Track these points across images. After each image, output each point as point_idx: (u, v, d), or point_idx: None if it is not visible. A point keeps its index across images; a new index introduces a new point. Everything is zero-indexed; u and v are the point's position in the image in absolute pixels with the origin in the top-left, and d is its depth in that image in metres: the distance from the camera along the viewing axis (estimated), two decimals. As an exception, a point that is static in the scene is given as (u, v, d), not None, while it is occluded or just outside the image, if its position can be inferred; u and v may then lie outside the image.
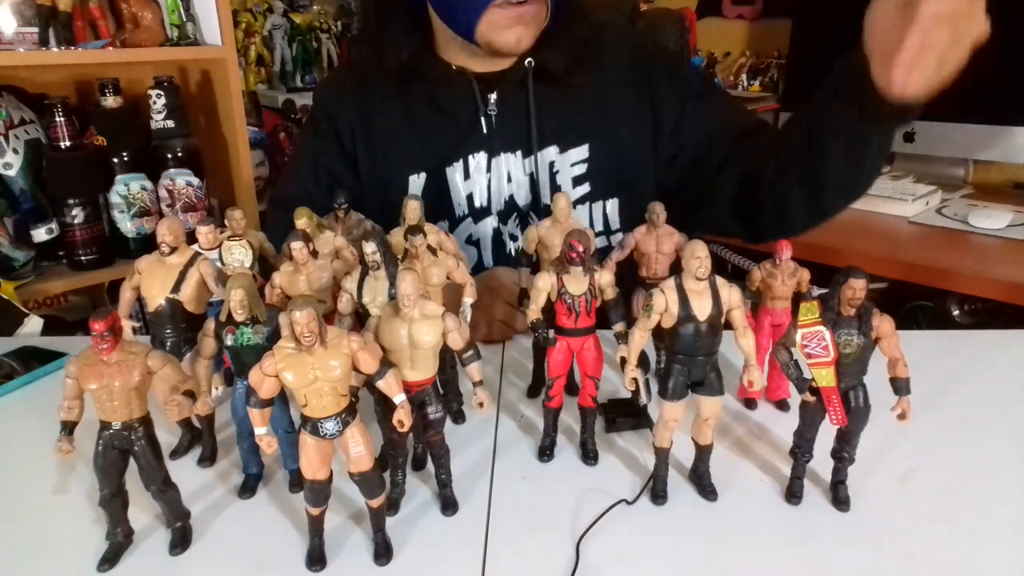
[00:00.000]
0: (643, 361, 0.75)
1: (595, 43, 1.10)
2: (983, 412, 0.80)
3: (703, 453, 0.67)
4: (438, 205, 1.11)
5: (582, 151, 1.10)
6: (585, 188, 1.10)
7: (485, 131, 1.09)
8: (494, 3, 0.96)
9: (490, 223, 1.12)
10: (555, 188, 1.09)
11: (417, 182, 1.11)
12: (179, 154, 1.60)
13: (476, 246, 1.13)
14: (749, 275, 0.78)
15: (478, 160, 1.10)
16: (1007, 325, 1.36)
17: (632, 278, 0.82)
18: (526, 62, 1.07)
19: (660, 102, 1.10)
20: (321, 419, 0.55)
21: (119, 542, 0.60)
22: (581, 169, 1.10)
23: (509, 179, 1.10)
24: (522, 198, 1.11)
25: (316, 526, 0.59)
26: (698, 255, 0.60)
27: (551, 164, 1.09)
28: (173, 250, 0.70)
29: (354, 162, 1.14)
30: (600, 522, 0.63)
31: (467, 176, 1.10)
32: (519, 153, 1.09)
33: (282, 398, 0.64)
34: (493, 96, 1.08)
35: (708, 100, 1.12)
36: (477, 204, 1.11)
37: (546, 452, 0.73)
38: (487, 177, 1.10)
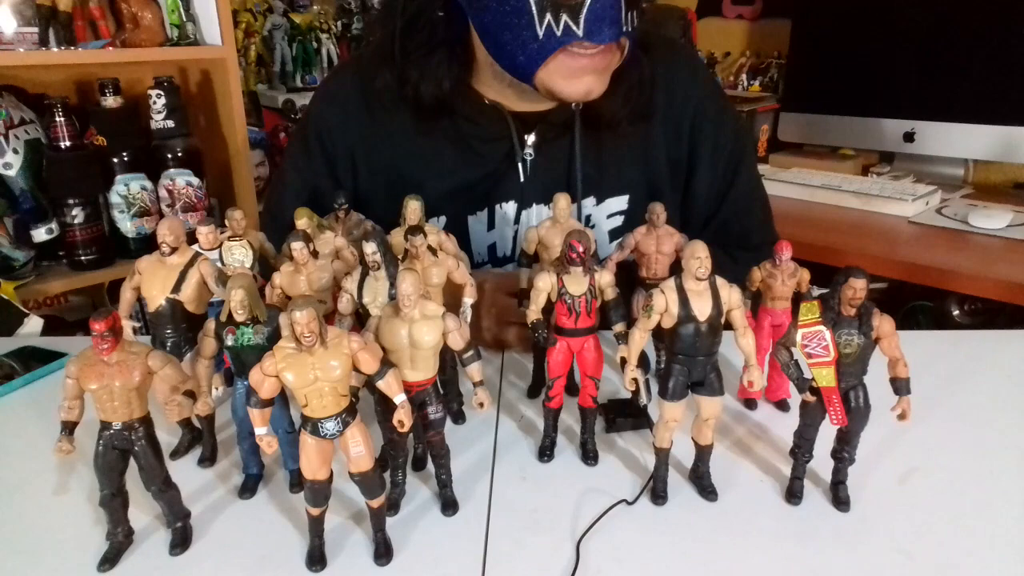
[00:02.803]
0: (643, 361, 0.74)
1: (649, 82, 0.97)
2: (983, 412, 0.80)
3: (703, 453, 0.67)
4: None
5: (621, 202, 1.00)
6: None
7: (521, 179, 0.97)
8: (564, 49, 0.82)
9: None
10: None
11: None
12: (179, 154, 1.60)
13: None
14: (749, 275, 0.78)
15: (506, 211, 0.99)
16: (1007, 325, 1.36)
17: (632, 278, 0.82)
18: (573, 104, 0.94)
19: (696, 163, 1.02)
20: (321, 419, 0.55)
21: (119, 542, 0.60)
22: (618, 221, 1.00)
23: None
24: None
25: (316, 526, 0.59)
26: (698, 255, 0.60)
27: (587, 217, 0.99)
28: (173, 250, 0.70)
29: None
30: (600, 522, 0.63)
31: (492, 227, 1.00)
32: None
33: (282, 398, 0.64)
34: (531, 138, 0.97)
35: (732, 185, 1.05)
36: (499, 254, 1.02)
37: (546, 452, 0.73)
38: (514, 229, 0.99)
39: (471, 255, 1.01)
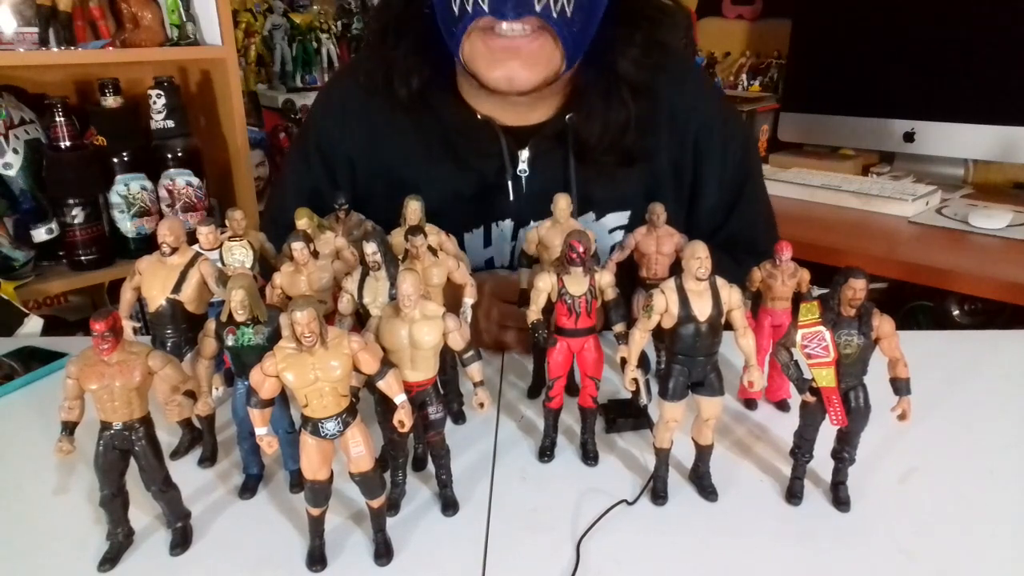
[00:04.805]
0: (643, 361, 0.75)
1: (647, 116, 0.94)
2: (983, 412, 0.80)
3: (703, 454, 0.67)
4: None
5: (622, 217, 0.98)
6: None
7: (513, 197, 0.95)
8: (479, 28, 0.82)
9: None
10: None
11: None
12: (179, 154, 1.60)
13: None
14: (749, 275, 0.78)
15: (503, 228, 0.97)
16: (1007, 325, 1.36)
17: (632, 279, 0.82)
18: (567, 117, 0.92)
19: (701, 180, 1.00)
20: (322, 419, 0.55)
21: (119, 542, 0.60)
22: (618, 236, 0.98)
23: None
24: None
25: (316, 526, 0.59)
26: (698, 255, 0.60)
27: None
28: (174, 250, 0.70)
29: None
30: (600, 522, 0.63)
31: (488, 244, 0.98)
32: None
33: (282, 398, 0.64)
34: (524, 153, 0.94)
35: (740, 197, 1.03)
36: (496, 265, 1.00)
37: (546, 453, 0.73)
38: (512, 245, 0.97)
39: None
